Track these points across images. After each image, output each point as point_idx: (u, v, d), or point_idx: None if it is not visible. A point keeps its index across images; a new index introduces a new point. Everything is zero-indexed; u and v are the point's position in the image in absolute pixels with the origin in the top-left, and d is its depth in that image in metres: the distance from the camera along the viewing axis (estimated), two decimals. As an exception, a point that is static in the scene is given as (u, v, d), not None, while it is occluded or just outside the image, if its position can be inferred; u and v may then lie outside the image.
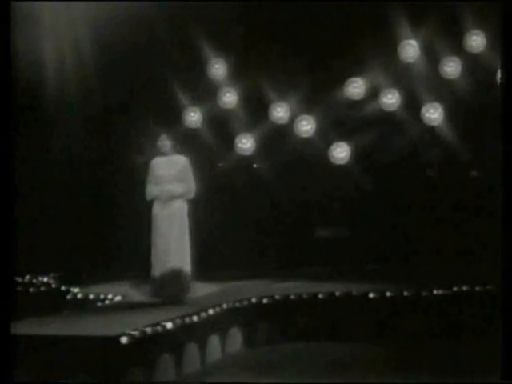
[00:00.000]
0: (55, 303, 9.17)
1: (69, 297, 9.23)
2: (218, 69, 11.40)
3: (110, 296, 8.62)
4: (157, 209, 7.75)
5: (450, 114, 10.53)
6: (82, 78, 10.88)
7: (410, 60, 10.74)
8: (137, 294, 8.60)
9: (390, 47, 10.74)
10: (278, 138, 11.16)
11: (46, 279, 10.81)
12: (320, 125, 10.98)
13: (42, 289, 10.36)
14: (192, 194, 7.83)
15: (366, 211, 10.97)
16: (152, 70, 11.13)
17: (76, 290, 9.50)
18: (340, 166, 10.96)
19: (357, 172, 10.93)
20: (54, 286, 10.32)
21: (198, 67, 11.33)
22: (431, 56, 10.65)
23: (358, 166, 10.93)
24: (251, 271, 10.25)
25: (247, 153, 11.21)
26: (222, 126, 11.33)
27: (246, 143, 11.22)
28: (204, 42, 11.17)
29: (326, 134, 10.98)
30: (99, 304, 8.09)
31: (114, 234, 11.46)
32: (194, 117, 11.43)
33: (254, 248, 10.95)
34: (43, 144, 11.31)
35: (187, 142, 11.28)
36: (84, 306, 8.37)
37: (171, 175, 7.76)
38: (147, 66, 11.07)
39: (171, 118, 11.38)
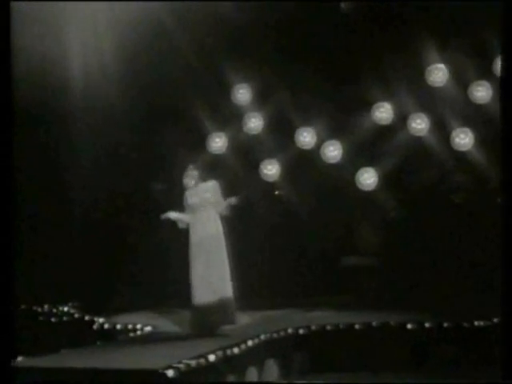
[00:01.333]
0: (81, 334, 8.98)
1: (95, 327, 9.03)
2: (242, 94, 11.26)
3: (138, 326, 8.41)
4: (194, 237, 7.64)
5: (481, 139, 10.34)
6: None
7: (439, 84, 10.57)
8: (167, 325, 8.40)
9: (418, 71, 10.56)
10: (304, 164, 10.99)
11: (66, 308, 10.64)
12: (347, 150, 10.80)
13: (65, 319, 10.19)
14: (225, 209, 7.73)
15: (394, 239, 10.76)
16: (175, 95, 11.02)
17: (101, 319, 9.32)
18: (367, 193, 10.79)
19: (384, 199, 10.74)
20: (76, 315, 10.14)
21: (222, 92, 11.21)
22: (460, 80, 10.48)
23: (385, 193, 10.74)
24: (279, 300, 10.06)
25: (272, 179, 11.05)
26: (246, 152, 11.18)
27: (271, 169, 11.06)
28: (229, 66, 11.08)
29: (353, 159, 10.81)
30: (131, 335, 7.84)
31: (135, 262, 11.31)
32: (218, 143, 11.29)
33: (280, 276, 10.75)
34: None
35: (212, 168, 11.25)
36: (113, 337, 8.15)
37: (204, 200, 7.70)
38: (170, 90, 10.97)
39: (195, 143, 11.27)
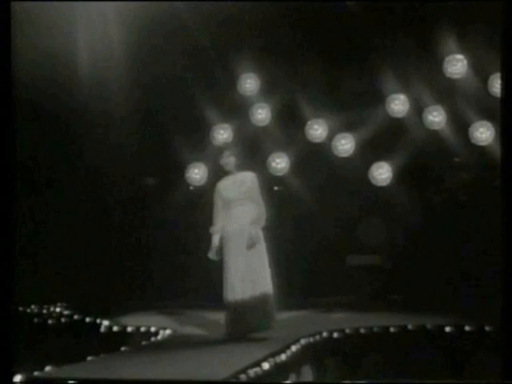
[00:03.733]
0: (88, 338, 8.35)
1: (102, 330, 8.40)
2: (249, 84, 10.71)
3: (153, 329, 7.82)
4: (229, 233, 7.08)
5: (501, 133, 9.92)
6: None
7: (457, 76, 10.15)
8: (182, 327, 7.84)
9: (436, 62, 10.13)
10: (314, 158, 10.48)
11: (58, 309, 10.00)
12: (360, 144, 10.33)
13: (63, 320, 9.54)
14: (264, 217, 7.14)
15: (408, 237, 10.32)
16: (178, 84, 10.44)
17: (106, 322, 8.70)
18: (381, 188, 10.33)
19: (399, 195, 10.29)
20: (76, 317, 9.49)
21: (228, 82, 10.66)
22: (480, 72, 10.06)
23: (400, 189, 10.29)
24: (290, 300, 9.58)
25: (281, 173, 10.53)
26: (253, 145, 10.63)
27: (280, 163, 10.54)
28: (235, 54, 10.53)
29: (366, 153, 10.33)
30: (153, 339, 7.22)
31: (133, 261, 10.74)
32: (223, 134, 10.74)
33: (291, 276, 10.23)
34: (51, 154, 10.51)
35: (216, 161, 10.69)
36: (128, 341, 7.53)
37: (240, 195, 7.09)
38: (172, 80, 10.40)
39: (199, 135, 10.72)
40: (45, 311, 9.86)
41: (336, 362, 6.86)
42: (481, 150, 10.05)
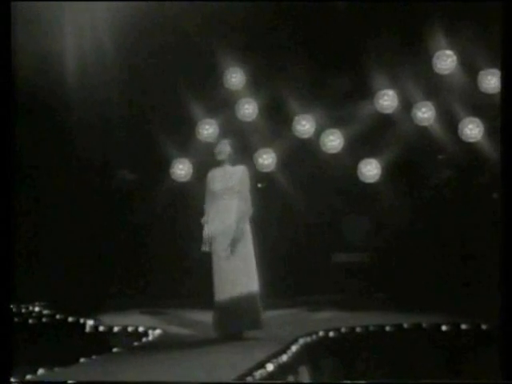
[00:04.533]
0: (73, 338, 8.07)
1: (88, 330, 8.13)
2: (235, 78, 10.50)
3: (141, 329, 7.57)
4: (213, 228, 6.84)
5: (490, 130, 9.86)
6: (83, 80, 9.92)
7: (447, 71, 10.03)
8: (170, 327, 7.62)
9: (425, 57, 10.00)
10: (301, 154, 10.30)
11: (37, 309, 9.69)
12: (348, 140, 10.16)
13: (45, 320, 9.23)
14: (248, 213, 6.91)
15: (397, 235, 10.19)
16: (163, 79, 10.21)
17: (91, 321, 8.43)
18: (369, 185, 10.18)
19: (387, 191, 10.15)
20: (58, 316, 9.20)
21: (213, 76, 10.44)
22: (469, 68, 9.95)
23: (388, 185, 10.16)
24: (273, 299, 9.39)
25: (268, 169, 10.33)
26: (239, 140, 10.40)
27: (266, 159, 10.34)
28: (221, 49, 10.31)
29: (354, 149, 10.16)
30: (144, 339, 6.96)
31: (117, 258, 10.47)
32: (209, 129, 10.51)
33: (275, 274, 10.05)
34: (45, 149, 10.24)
35: (201, 156, 10.48)
36: (116, 342, 7.26)
37: (226, 189, 6.85)
38: (158, 74, 10.16)
39: (184, 131, 10.49)
40: (24, 310, 9.55)
41: (334, 362, 6.69)
42: (470, 147, 9.96)
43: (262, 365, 5.00)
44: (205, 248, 6.90)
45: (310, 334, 6.56)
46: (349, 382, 5.99)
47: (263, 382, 5.00)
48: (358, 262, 10.35)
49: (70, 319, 8.75)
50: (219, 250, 6.75)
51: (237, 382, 4.82)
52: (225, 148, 7.00)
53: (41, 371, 5.18)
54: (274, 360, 5.21)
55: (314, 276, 10.17)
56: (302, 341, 6.20)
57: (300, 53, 10.18)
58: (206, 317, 7.90)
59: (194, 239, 10.11)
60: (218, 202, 6.88)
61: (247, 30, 10.10)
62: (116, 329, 7.79)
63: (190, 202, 10.17)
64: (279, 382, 5.22)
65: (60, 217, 10.28)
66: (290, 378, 5.63)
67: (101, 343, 7.41)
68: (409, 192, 10.23)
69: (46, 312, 9.30)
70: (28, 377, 4.97)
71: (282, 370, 5.25)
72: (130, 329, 7.68)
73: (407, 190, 10.23)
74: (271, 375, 4.97)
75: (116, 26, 9.49)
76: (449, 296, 9.19)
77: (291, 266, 10.14)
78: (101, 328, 7.92)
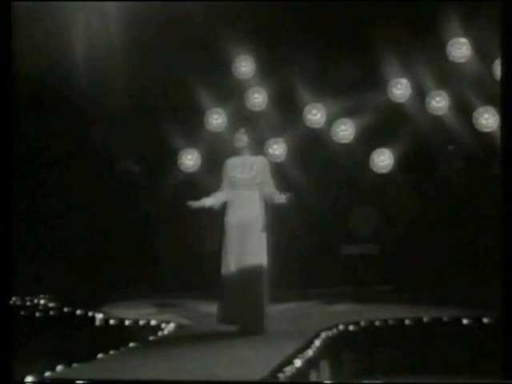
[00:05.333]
0: (82, 331, 7.87)
1: (98, 323, 7.93)
2: (245, 66, 10.29)
3: (153, 322, 7.38)
4: (230, 217, 6.62)
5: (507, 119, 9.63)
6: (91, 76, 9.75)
7: (461, 60, 9.83)
8: (183, 320, 7.43)
9: (439, 45, 9.78)
10: (313, 144, 10.10)
11: (42, 301, 9.48)
12: (360, 130, 9.97)
13: (52, 313, 9.03)
14: (275, 197, 6.70)
15: (410, 226, 9.99)
16: (172, 68, 9.99)
17: (100, 315, 8.23)
18: (382, 175, 10.00)
19: (400, 182, 9.97)
20: (66, 310, 8.99)
21: (222, 64, 10.21)
22: (484, 56, 9.74)
23: (401, 176, 9.97)
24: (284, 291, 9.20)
25: (278, 160, 10.10)
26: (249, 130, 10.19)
27: (276, 149, 10.15)
28: (230, 37, 10.09)
29: (366, 139, 9.97)
30: (160, 333, 6.75)
31: (123, 250, 10.26)
32: (218, 119, 10.31)
33: (284, 266, 9.86)
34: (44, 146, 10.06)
35: (209, 147, 10.29)
36: (128, 335, 7.06)
37: (248, 179, 6.66)
38: (166, 63, 9.94)
39: (192, 120, 10.28)
40: (28, 303, 9.35)
41: (354, 356, 6.51)
42: (485, 137, 9.77)
43: (290, 361, 4.80)
44: (190, 204, 6.76)
45: (330, 328, 6.38)
46: (356, 381, 5.79)
47: (267, 381, 4.82)
48: (369, 254, 10.17)
49: (79, 312, 8.57)
50: (233, 241, 6.55)
51: (244, 381, 4.67)
52: (243, 137, 6.82)
53: (59, 368, 4.99)
54: (301, 355, 5.02)
55: (325, 268, 9.97)
56: (324, 335, 6.01)
57: (310, 41, 9.97)
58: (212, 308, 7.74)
59: (203, 230, 10.04)
60: (237, 191, 6.69)
61: (257, 18, 9.88)
62: (127, 322, 7.59)
63: (199, 192, 10.02)
64: (280, 382, 5.03)
65: (67, 209, 10.09)
66: (313, 374, 5.44)
67: (112, 337, 7.20)
68: (422, 182, 10.04)
69: (51, 305, 9.11)
70: (47, 373, 4.78)
71: (309, 365, 5.06)
72: (141, 322, 7.49)
73: (420, 180, 10.04)
74: (299, 371, 4.77)
75: (122, 15, 9.29)
76: (463, 289, 9.03)
77: (302, 257, 9.95)
78: (111, 321, 7.73)
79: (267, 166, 6.82)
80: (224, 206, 6.76)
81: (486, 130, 9.74)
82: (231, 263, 6.52)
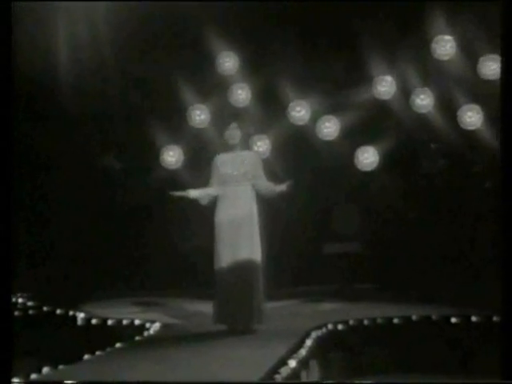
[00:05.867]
0: (64, 331, 7.71)
1: (80, 323, 7.76)
2: (228, 62, 10.15)
3: (137, 322, 7.23)
4: (221, 215, 6.48)
5: (490, 117, 9.63)
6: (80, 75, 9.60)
7: (446, 57, 9.77)
8: (166, 318, 7.30)
9: (424, 42, 9.71)
10: (297, 141, 9.99)
11: (20, 300, 9.28)
12: (345, 127, 9.86)
13: (31, 312, 8.83)
14: (271, 189, 6.59)
15: (393, 224, 9.95)
16: (154, 64, 9.84)
17: (82, 314, 8.06)
18: (366, 173, 9.93)
19: (385, 180, 9.90)
20: (45, 308, 8.79)
21: (205, 60, 10.07)
22: (469, 53, 9.70)
23: (386, 174, 9.90)
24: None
25: (262, 157, 9.85)
26: (226, 126, 10.04)
27: (260, 146, 10.01)
28: (213, 32, 9.95)
29: (351, 137, 9.88)
30: (146, 333, 6.60)
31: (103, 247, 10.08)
32: (200, 115, 10.16)
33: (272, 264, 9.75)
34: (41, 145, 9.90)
35: (192, 143, 10.15)
36: (112, 335, 6.90)
37: (239, 174, 6.53)
38: (149, 59, 9.80)
39: (175, 117, 10.13)
40: (5, 302, 9.12)
41: (343, 355, 6.43)
42: (469, 135, 9.74)
43: (284, 361, 4.69)
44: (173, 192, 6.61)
45: (320, 327, 6.29)
46: (348, 381, 5.72)
47: (264, 382, 4.73)
48: (353, 252, 10.10)
49: (59, 311, 8.40)
50: (225, 238, 6.41)
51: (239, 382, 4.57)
52: (235, 133, 6.68)
53: (45, 370, 4.83)
54: (295, 355, 4.91)
55: (309, 266, 9.90)
56: (314, 334, 5.91)
57: (295, 37, 9.89)
58: (204, 307, 7.64)
59: (184, 227, 9.90)
60: (229, 187, 6.55)
61: (241, 14, 9.76)
62: (110, 322, 7.44)
63: (181, 189, 9.89)
64: (278, 383, 4.93)
65: (44, 206, 9.90)
66: (304, 374, 5.34)
67: (95, 337, 7.05)
68: (406, 180, 10.00)
69: (30, 304, 8.91)
70: (33, 376, 4.62)
71: (302, 365, 4.95)
72: (125, 322, 7.34)
73: (404, 178, 9.99)
74: (294, 371, 4.67)
75: (107, 11, 9.15)
76: (448, 287, 8.99)
77: (285, 256, 9.84)
78: (94, 321, 7.57)
79: (259, 160, 6.74)
80: (212, 203, 6.63)
81: (470, 127, 9.71)
82: (224, 262, 6.38)
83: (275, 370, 4.49)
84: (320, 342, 5.90)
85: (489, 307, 7.17)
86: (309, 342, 5.53)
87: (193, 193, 6.70)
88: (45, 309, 8.65)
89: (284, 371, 4.50)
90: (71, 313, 8.15)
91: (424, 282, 9.25)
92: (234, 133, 6.68)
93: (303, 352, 5.17)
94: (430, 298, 8.28)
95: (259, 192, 6.63)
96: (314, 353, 5.50)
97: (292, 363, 4.71)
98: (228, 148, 6.72)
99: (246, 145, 6.89)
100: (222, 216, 6.49)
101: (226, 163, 6.63)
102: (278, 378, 4.36)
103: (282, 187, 6.60)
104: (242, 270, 6.31)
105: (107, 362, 5.16)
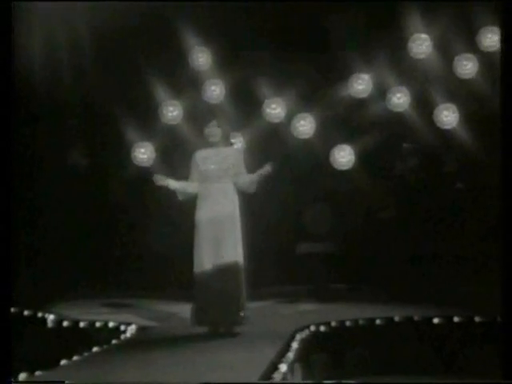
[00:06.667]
0: (34, 333, 7.41)
1: (50, 325, 7.46)
2: (201, 57, 9.94)
3: (111, 324, 6.97)
4: (202, 212, 6.26)
5: (466, 116, 9.59)
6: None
7: (422, 56, 9.71)
8: (139, 320, 7.06)
9: (400, 41, 9.64)
10: (272, 139, 9.80)
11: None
12: (320, 125, 9.74)
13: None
14: (250, 182, 6.42)
15: (369, 224, 9.84)
16: (125, 59, 9.61)
17: (51, 316, 7.75)
18: (342, 172, 9.80)
19: (361, 179, 9.78)
20: (12, 310, 8.45)
21: (178, 55, 9.84)
22: (445, 52, 9.66)
23: (362, 173, 9.79)
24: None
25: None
26: (205, 124, 9.83)
27: (235, 143, 9.81)
28: (186, 27, 9.73)
29: (327, 135, 9.74)
30: (123, 336, 6.34)
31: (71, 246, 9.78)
32: (173, 112, 9.92)
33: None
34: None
35: (164, 140, 9.92)
36: (85, 338, 6.64)
37: (220, 171, 6.33)
38: (120, 54, 9.57)
39: (146, 112, 9.88)
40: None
41: (326, 357, 6.27)
42: (445, 134, 9.68)
43: (275, 366, 4.51)
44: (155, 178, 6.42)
45: (302, 329, 6.12)
46: (345, 381, 5.60)
47: (264, 382, 4.55)
48: (326, 252, 9.95)
49: (26, 313, 8.08)
50: (207, 237, 6.21)
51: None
52: (216, 131, 6.48)
53: (22, 376, 4.57)
54: (283, 359, 4.73)
55: (283, 266, 9.73)
56: (298, 336, 5.74)
57: (270, 34, 9.69)
58: (178, 309, 7.43)
59: (159, 225, 9.65)
60: (210, 184, 6.34)
61: (215, 8, 9.56)
62: (82, 324, 7.16)
63: (153, 187, 9.66)
64: (275, 383, 4.76)
65: (13, 204, 9.54)
66: (289, 377, 5.16)
67: (67, 340, 6.78)
68: (381, 179, 9.90)
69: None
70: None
71: (289, 369, 4.78)
72: (98, 324, 7.07)
73: (381, 177, 9.89)
74: (284, 376, 4.49)
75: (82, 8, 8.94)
76: (428, 286, 8.93)
77: (261, 255, 9.66)
78: (65, 323, 7.28)
79: (241, 156, 6.56)
80: (188, 200, 6.42)
81: (446, 127, 9.67)
82: (205, 262, 6.17)
83: (269, 375, 4.31)
84: (304, 344, 5.73)
85: (469, 307, 7.15)
86: (295, 345, 5.35)
87: (172, 184, 6.48)
88: (12, 310, 8.34)
89: (277, 376, 4.32)
90: (40, 314, 7.86)
91: (399, 282, 9.17)
92: (214, 130, 6.48)
93: (291, 355, 4.99)
94: (408, 298, 8.19)
95: (241, 188, 6.44)
96: (298, 355, 5.33)
97: (283, 367, 4.53)
98: (208, 145, 6.51)
99: (228, 142, 6.67)
100: (204, 214, 6.28)
101: (206, 159, 6.43)
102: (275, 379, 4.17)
103: (263, 170, 6.40)
104: (225, 270, 6.11)
105: (87, 367, 4.91)
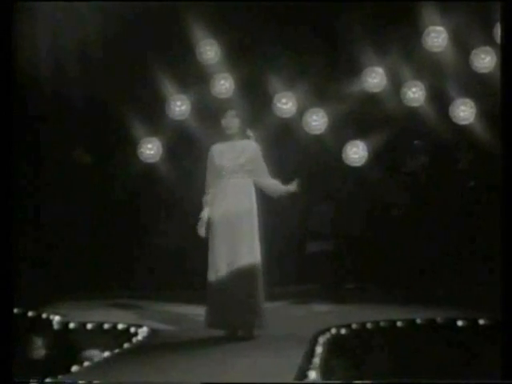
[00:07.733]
0: (39, 336, 7.11)
1: (56, 327, 7.16)
2: (210, 51, 9.65)
3: (120, 326, 6.67)
4: (218, 210, 5.97)
5: (483, 112, 9.31)
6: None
7: (438, 49, 9.43)
8: (148, 323, 6.77)
9: (416, 33, 9.35)
10: (283, 135, 9.51)
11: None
12: (333, 120, 9.45)
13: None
14: (274, 190, 6.14)
15: (382, 222, 9.56)
16: (132, 53, 9.33)
17: (57, 317, 7.46)
18: (355, 169, 9.52)
19: (374, 176, 9.50)
20: (16, 311, 8.15)
21: (186, 49, 9.55)
22: (462, 45, 9.38)
23: (375, 170, 9.51)
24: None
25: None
26: (214, 119, 9.56)
27: (251, 137, 9.50)
28: (194, 19, 9.44)
29: (339, 130, 9.46)
30: (139, 338, 6.03)
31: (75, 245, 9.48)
32: (181, 106, 9.63)
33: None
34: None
35: (171, 135, 9.65)
36: (95, 341, 6.36)
37: (236, 166, 6.03)
38: (127, 48, 9.28)
39: (153, 108, 9.59)
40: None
41: (348, 360, 5.99)
42: (462, 129, 9.41)
43: (303, 372, 4.22)
44: (201, 232, 6.05)
45: (323, 332, 5.84)
46: (359, 381, 5.31)
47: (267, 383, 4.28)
48: (337, 251, 9.67)
49: (30, 314, 7.79)
50: (223, 236, 5.91)
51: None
52: (234, 121, 6.19)
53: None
54: (311, 366, 4.45)
55: (292, 265, 9.45)
56: (321, 340, 5.46)
57: (281, 26, 9.43)
58: (189, 310, 7.17)
59: (169, 223, 9.38)
60: (227, 180, 6.06)
61: (224, 2, 9.29)
62: (90, 326, 6.87)
63: (160, 183, 9.41)
64: (281, 383, 4.49)
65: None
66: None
67: (80, 343, 6.49)
68: (397, 176, 9.62)
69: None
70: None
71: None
72: (106, 325, 6.77)
73: (395, 173, 9.61)
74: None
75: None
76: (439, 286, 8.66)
77: (275, 255, 9.39)
78: (71, 325, 6.98)
79: (258, 150, 6.26)
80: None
81: (463, 122, 9.40)
82: (221, 263, 5.89)
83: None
84: (327, 348, 5.45)
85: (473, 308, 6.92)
86: (319, 349, 5.07)
87: (206, 214, 6.10)
88: (15, 311, 8.05)
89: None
90: (44, 315, 7.57)
91: (413, 282, 8.90)
92: (231, 121, 6.19)
93: (317, 361, 4.71)
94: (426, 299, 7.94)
95: (263, 190, 6.14)
96: (323, 360, 5.04)
97: (312, 374, 4.25)
98: (224, 138, 6.22)
99: (245, 134, 6.37)
100: (220, 211, 5.99)
101: (222, 154, 6.15)
102: None
103: (290, 188, 6.11)
104: (243, 270, 5.82)
105: (101, 373, 4.62)
